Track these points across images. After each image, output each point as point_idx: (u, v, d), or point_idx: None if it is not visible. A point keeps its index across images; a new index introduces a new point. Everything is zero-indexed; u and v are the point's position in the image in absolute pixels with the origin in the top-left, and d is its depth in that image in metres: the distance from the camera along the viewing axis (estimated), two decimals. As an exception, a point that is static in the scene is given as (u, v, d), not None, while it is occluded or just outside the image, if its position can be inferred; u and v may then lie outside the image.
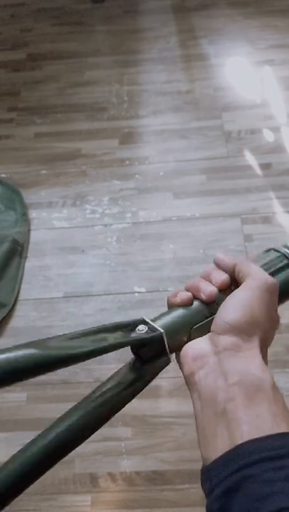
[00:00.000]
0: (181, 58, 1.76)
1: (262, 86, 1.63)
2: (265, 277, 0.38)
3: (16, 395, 1.09)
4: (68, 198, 1.42)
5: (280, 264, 0.43)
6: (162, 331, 0.37)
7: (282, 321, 1.15)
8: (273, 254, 0.44)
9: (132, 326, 0.38)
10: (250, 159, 1.45)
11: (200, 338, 0.37)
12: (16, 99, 1.68)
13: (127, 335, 0.37)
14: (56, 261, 1.31)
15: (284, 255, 0.43)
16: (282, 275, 0.42)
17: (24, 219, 1.38)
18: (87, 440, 0.34)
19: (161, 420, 1.06)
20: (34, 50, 1.84)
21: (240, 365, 0.33)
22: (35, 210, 1.41)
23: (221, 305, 0.38)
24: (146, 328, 0.37)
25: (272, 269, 0.42)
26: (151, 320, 0.38)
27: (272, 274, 0.41)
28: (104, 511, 0.98)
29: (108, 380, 0.37)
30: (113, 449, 1.03)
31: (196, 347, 0.37)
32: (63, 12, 1.96)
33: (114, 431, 1.05)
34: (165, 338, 0.37)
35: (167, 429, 1.04)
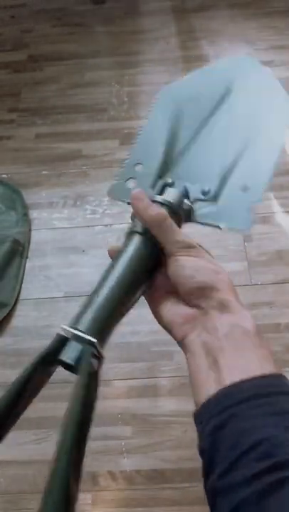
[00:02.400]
0: (181, 59, 1.76)
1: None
2: (189, 241, 0.40)
3: (16, 394, 1.09)
4: (69, 199, 1.43)
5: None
6: (94, 340, 0.34)
7: (282, 320, 1.16)
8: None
9: (54, 351, 0.34)
10: (250, 160, 1.45)
11: (177, 302, 0.39)
12: (17, 100, 1.69)
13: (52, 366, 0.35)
14: (57, 261, 1.32)
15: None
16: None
17: (25, 219, 1.39)
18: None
19: (161, 419, 1.06)
20: (35, 51, 1.84)
21: (227, 319, 0.36)
22: (35, 210, 1.42)
23: (178, 269, 0.38)
24: (73, 347, 0.34)
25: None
26: (73, 327, 0.35)
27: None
28: (105, 510, 0.99)
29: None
30: (113, 448, 1.03)
31: (181, 312, 0.38)
32: (64, 13, 1.97)
33: (114, 430, 1.06)
34: (98, 348, 0.34)
35: (167, 427, 1.05)
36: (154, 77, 1.71)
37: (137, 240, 0.40)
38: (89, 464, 1.01)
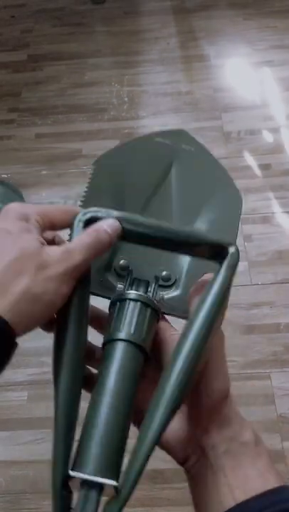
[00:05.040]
0: (181, 59, 1.76)
1: (261, 87, 1.64)
2: None
3: (16, 394, 1.10)
4: (69, 199, 1.43)
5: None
6: (115, 483, 0.29)
7: (282, 320, 1.16)
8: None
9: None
10: (250, 160, 1.45)
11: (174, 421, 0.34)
12: (17, 100, 1.69)
13: None
14: (57, 261, 1.32)
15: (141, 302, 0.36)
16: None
17: (25, 219, 1.39)
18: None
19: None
20: (35, 51, 1.84)
21: (226, 434, 0.34)
22: (35, 210, 1.41)
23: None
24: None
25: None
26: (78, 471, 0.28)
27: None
28: (105, 509, 0.99)
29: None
30: (113, 448, 1.03)
31: (181, 433, 0.35)
32: (64, 13, 1.97)
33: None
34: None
35: (167, 428, 1.05)
36: (154, 77, 1.71)
37: (121, 350, 0.34)
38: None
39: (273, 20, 1.83)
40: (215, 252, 0.36)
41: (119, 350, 0.33)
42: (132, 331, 0.34)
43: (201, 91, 1.64)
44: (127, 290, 0.38)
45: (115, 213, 0.36)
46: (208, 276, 0.36)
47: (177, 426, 0.35)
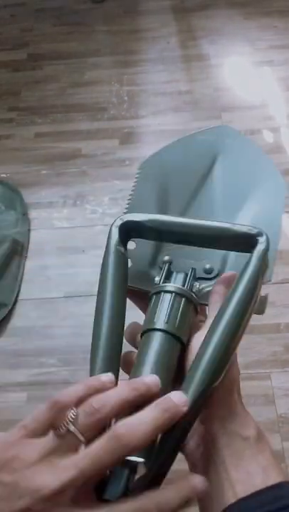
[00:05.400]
0: (181, 58, 1.76)
1: (261, 87, 1.63)
2: None
3: (16, 395, 1.09)
4: (68, 198, 1.42)
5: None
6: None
7: (282, 320, 1.15)
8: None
9: None
10: (250, 159, 1.45)
11: None
12: (17, 99, 1.68)
13: None
14: (56, 261, 1.31)
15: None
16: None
17: (24, 219, 1.38)
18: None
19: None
20: (34, 50, 1.84)
21: (228, 427, 0.34)
22: (35, 210, 1.41)
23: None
24: None
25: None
26: None
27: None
28: (105, 510, 0.98)
29: None
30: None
31: None
32: (64, 12, 1.96)
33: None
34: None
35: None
36: (154, 76, 1.70)
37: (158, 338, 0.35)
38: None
39: (273, 19, 1.83)
40: (246, 243, 0.37)
41: (154, 340, 0.35)
42: (166, 321, 0.35)
43: (201, 90, 1.64)
44: (163, 283, 0.39)
45: (149, 216, 0.38)
46: (232, 272, 0.38)
47: None
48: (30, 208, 1.41)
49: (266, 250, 0.36)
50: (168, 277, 0.40)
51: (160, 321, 0.35)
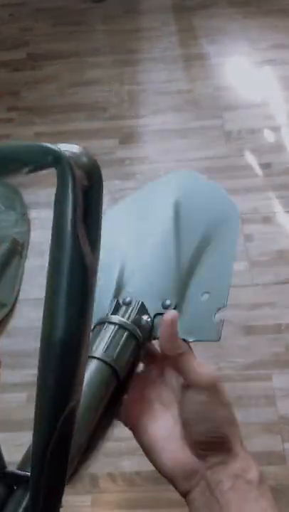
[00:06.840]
0: (182, 58, 1.75)
1: (262, 86, 1.63)
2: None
3: (15, 395, 1.09)
4: (68, 198, 1.42)
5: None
6: None
7: (283, 321, 1.15)
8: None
9: None
10: (251, 159, 1.44)
11: (178, 448, 0.36)
12: (16, 98, 1.68)
13: None
14: (56, 261, 1.31)
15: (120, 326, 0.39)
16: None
17: (24, 219, 1.38)
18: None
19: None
20: (34, 50, 1.83)
21: (231, 471, 0.35)
22: (35, 210, 1.41)
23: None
24: None
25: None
26: None
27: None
28: (105, 512, 0.98)
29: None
30: (113, 450, 1.02)
31: (184, 463, 0.36)
32: (63, 11, 1.96)
33: (114, 431, 1.05)
34: None
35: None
36: (154, 76, 1.70)
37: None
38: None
39: (274, 19, 1.82)
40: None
41: (89, 367, 0.35)
42: (104, 350, 0.36)
43: (202, 90, 1.63)
44: (111, 314, 0.40)
45: None
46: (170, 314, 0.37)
47: (182, 455, 0.36)
48: (30, 208, 1.41)
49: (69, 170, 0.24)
50: (116, 310, 0.41)
51: (98, 349, 0.36)
